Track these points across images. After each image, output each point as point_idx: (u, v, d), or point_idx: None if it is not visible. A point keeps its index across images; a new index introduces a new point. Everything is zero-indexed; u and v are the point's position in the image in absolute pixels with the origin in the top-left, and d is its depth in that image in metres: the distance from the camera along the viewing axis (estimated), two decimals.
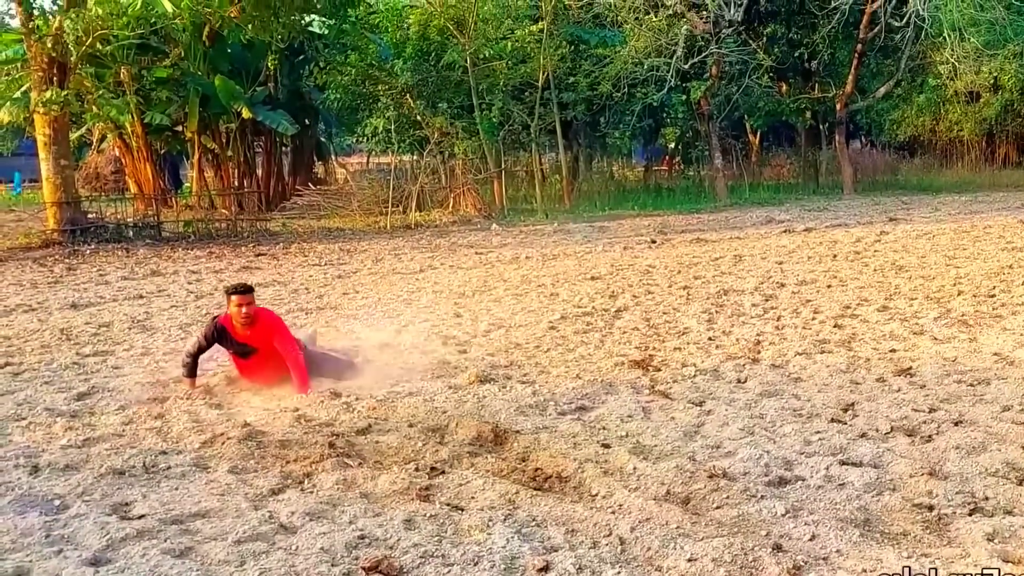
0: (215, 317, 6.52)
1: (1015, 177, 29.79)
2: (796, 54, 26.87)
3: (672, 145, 35.91)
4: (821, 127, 31.10)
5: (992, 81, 27.00)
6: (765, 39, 26.49)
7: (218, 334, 6.31)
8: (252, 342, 6.31)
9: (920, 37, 24.20)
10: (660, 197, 25.59)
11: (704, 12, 23.10)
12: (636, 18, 22.80)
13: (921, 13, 22.46)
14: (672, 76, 23.16)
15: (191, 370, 6.41)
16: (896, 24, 24.09)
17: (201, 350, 6.39)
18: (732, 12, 22.94)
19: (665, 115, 28.39)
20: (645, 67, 23.02)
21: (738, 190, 26.17)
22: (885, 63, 27.40)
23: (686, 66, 23.25)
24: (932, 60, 25.79)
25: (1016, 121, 32.10)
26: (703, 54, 23.44)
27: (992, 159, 33.28)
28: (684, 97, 25.23)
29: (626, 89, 23.71)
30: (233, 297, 6.25)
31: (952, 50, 23.59)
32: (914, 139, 33.94)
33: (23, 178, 33.86)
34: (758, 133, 35.22)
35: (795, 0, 25.67)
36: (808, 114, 29.52)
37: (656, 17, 22.72)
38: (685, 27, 22.90)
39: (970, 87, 27.09)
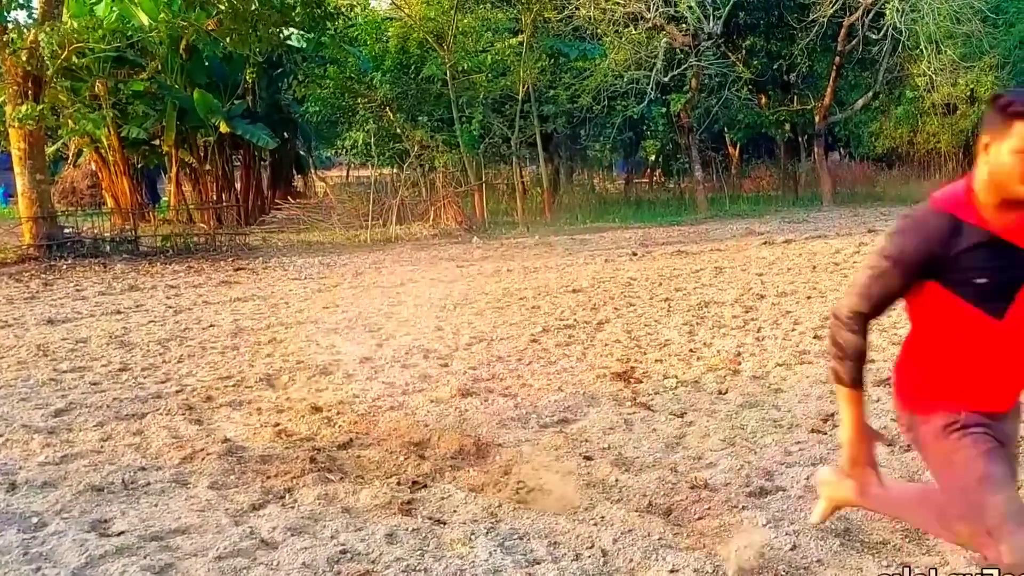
0: (932, 202, 2.85)
1: None
2: (775, 67, 27.07)
3: (653, 158, 36.08)
4: (800, 139, 31.33)
5: (969, 93, 27.27)
6: (744, 52, 26.68)
7: (947, 236, 2.66)
8: None
9: (897, 50, 24.44)
10: (641, 209, 25.67)
11: (683, 25, 23.27)
12: (616, 31, 22.95)
13: (898, 26, 22.69)
14: (652, 89, 23.29)
15: (858, 369, 2.71)
16: (874, 37, 24.33)
17: (892, 296, 2.77)
18: (711, 25, 23.12)
19: (645, 128, 28.51)
20: (625, 80, 23.14)
21: (718, 202, 26.30)
22: (863, 76, 27.66)
23: (666, 79, 23.40)
24: (909, 72, 26.04)
25: None
26: (683, 67, 23.59)
27: (969, 170, 33.55)
28: (664, 110, 25.37)
29: (606, 102, 23.81)
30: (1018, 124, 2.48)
31: (929, 62, 23.83)
32: (892, 151, 34.17)
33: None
34: (738, 145, 35.39)
35: (774, 13, 25.88)
36: (787, 126, 29.72)
37: (636, 30, 22.87)
38: (665, 40, 23.05)
39: (947, 99, 27.35)
